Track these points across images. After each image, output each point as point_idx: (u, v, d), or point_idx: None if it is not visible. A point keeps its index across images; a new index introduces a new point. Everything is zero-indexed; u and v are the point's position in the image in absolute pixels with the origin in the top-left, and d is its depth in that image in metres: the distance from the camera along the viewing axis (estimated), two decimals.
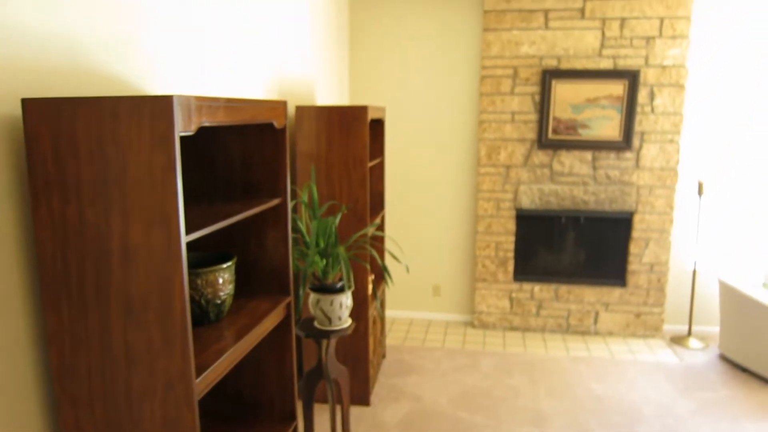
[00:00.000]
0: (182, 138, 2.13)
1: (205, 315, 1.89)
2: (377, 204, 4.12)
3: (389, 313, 5.22)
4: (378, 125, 4.07)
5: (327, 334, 2.70)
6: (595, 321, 4.86)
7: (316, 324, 2.77)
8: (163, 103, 1.33)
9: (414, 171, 5.00)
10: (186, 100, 1.40)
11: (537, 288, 4.88)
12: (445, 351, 4.53)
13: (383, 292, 4.23)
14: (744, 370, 4.22)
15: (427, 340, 4.73)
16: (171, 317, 1.46)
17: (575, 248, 4.91)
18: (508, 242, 4.83)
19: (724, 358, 4.41)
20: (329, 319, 2.69)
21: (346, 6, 4.76)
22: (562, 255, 4.91)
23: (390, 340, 4.73)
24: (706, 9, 4.48)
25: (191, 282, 1.82)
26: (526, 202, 4.75)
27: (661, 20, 4.41)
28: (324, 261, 2.67)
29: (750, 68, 4.53)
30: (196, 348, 1.74)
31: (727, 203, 4.73)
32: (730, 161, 4.68)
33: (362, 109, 3.30)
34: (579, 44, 4.51)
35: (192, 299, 1.85)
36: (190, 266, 2.05)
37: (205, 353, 1.72)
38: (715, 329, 4.85)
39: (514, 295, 4.91)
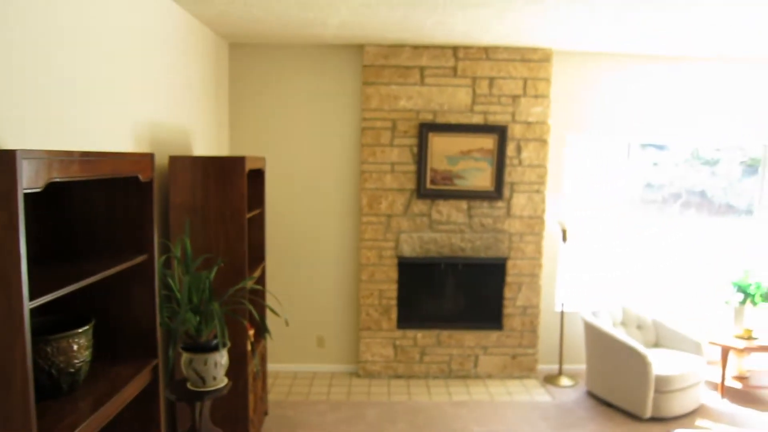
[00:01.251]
0: (40, 193, 1.96)
1: (56, 386, 1.71)
2: (257, 256, 4.03)
3: (272, 367, 5.05)
4: (258, 175, 4.02)
5: (201, 396, 2.54)
6: (475, 364, 5.00)
7: (189, 385, 2.61)
8: (6, 158, 1.22)
9: (297, 221, 4.96)
10: (33, 154, 1.29)
11: (420, 335, 4.96)
12: (330, 403, 4.43)
13: (264, 347, 4.09)
14: (608, 404, 4.51)
15: (311, 394, 4.62)
16: (10, 392, 1.31)
17: (455, 294, 5.07)
18: (391, 290, 4.90)
19: (591, 394, 4.70)
20: (203, 380, 2.55)
21: (225, 55, 4.72)
22: (442, 301, 5.05)
23: (273, 395, 4.55)
24: (561, 72, 4.94)
25: (40, 351, 1.65)
26: (407, 250, 4.86)
27: (525, 81, 4.80)
28: (197, 318, 2.54)
29: (597, 125, 5.04)
30: (42, 425, 1.56)
31: (589, 248, 5.14)
32: (588, 210, 5.11)
33: (239, 160, 3.25)
34: (453, 100, 4.78)
35: (41, 369, 1.67)
36: (41, 332, 1.86)
37: (54, 430, 1.55)
38: (583, 367, 5.16)
39: (398, 342, 4.95)
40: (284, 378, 4.92)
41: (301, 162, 4.92)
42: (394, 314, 4.92)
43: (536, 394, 4.70)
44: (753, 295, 4.69)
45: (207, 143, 4.26)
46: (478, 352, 5.00)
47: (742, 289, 4.71)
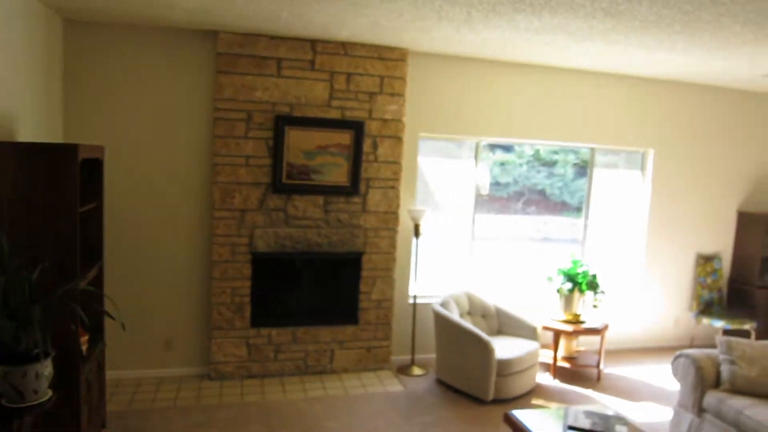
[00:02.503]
0: None
1: None
2: (93, 255, 3.68)
3: (112, 374, 4.65)
4: (95, 166, 3.66)
5: (18, 413, 2.26)
6: (331, 359, 5.01)
7: (4, 402, 2.31)
8: None
9: (142, 217, 4.62)
10: None
11: (275, 332, 4.86)
12: (178, 409, 4.19)
13: (101, 353, 3.75)
14: (456, 390, 4.75)
15: (157, 400, 4.33)
16: None
17: (311, 290, 5.04)
18: (245, 287, 4.74)
19: (441, 382, 4.92)
20: (21, 394, 2.26)
21: (59, 32, 4.24)
22: (298, 297, 4.99)
23: (113, 405, 4.20)
24: (416, 72, 5.09)
25: None
26: (262, 246, 4.74)
27: (382, 78, 4.88)
28: (14, 324, 2.25)
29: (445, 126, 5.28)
30: None
31: (439, 242, 5.36)
32: (438, 206, 5.34)
33: (71, 147, 2.94)
34: (310, 93, 4.73)
35: None
36: None
37: None
38: (434, 355, 5.38)
39: (252, 341, 4.81)
40: (127, 385, 4.56)
41: (147, 153, 4.58)
42: (247, 312, 4.77)
43: (389, 385, 4.82)
44: (581, 283, 5.20)
45: (35, 129, 3.80)
46: (334, 347, 5.01)
47: (571, 278, 5.20)
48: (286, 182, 4.72)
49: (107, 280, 4.43)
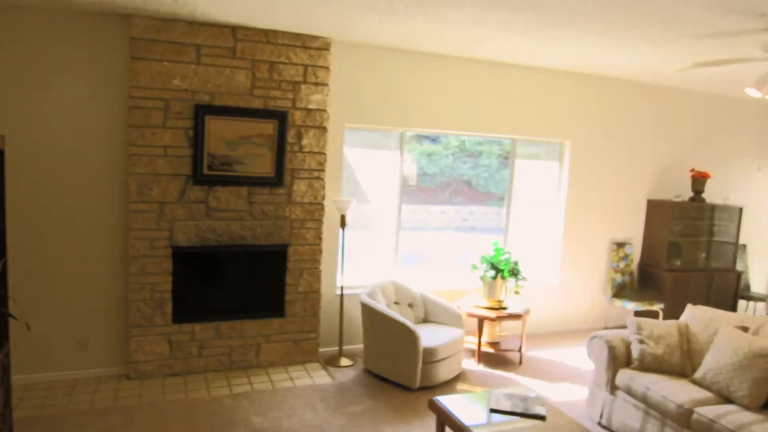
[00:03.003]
0: None
1: None
2: None
3: (20, 378, 4.36)
4: None
5: None
6: (257, 354, 4.93)
7: None
8: None
9: (51, 211, 4.35)
10: None
11: (198, 328, 4.72)
12: (94, 412, 4.00)
13: (6, 356, 3.51)
14: (384, 380, 4.79)
15: (72, 403, 4.11)
16: None
17: (236, 283, 4.92)
18: (165, 283, 4.57)
19: (369, 372, 4.94)
20: None
21: None
22: (222, 291, 4.87)
23: (21, 411, 3.95)
24: (341, 62, 5.05)
25: None
26: (183, 240, 4.58)
27: (305, 67, 4.81)
28: None
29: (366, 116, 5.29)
30: None
31: (367, 232, 5.37)
32: (365, 197, 5.34)
33: None
34: (231, 82, 4.59)
35: None
36: None
37: None
38: (362, 346, 5.40)
39: (173, 338, 4.65)
40: (37, 390, 4.31)
41: (55, 143, 4.31)
42: (168, 308, 4.61)
43: (317, 377, 4.80)
44: (503, 271, 5.35)
45: None
46: (261, 341, 4.93)
47: (494, 265, 5.34)
48: (207, 173, 4.58)
49: (13, 278, 4.14)
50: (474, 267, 5.44)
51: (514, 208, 6.21)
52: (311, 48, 4.79)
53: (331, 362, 5.11)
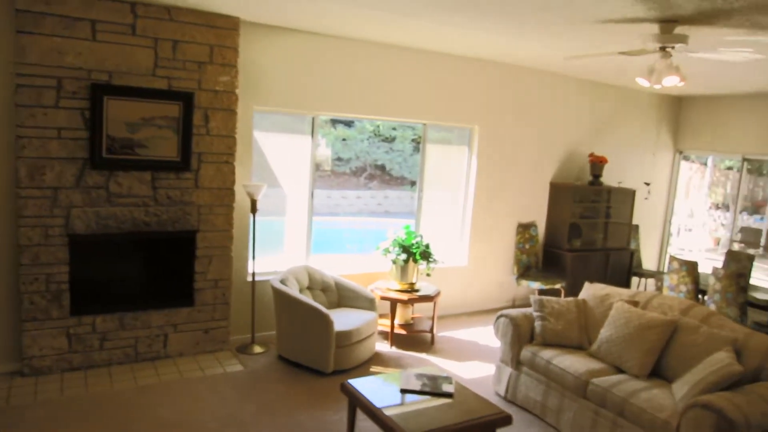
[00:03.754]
0: None
1: None
2: None
3: None
4: None
5: None
6: (165, 344, 4.76)
7: None
8: None
9: None
10: None
11: (99, 320, 4.49)
12: None
13: None
14: (298, 365, 4.78)
15: None
16: None
17: (140, 272, 4.72)
18: (62, 273, 4.31)
19: (282, 358, 4.91)
20: None
21: None
22: (126, 281, 4.66)
23: None
24: (251, 43, 4.92)
25: None
26: (81, 227, 4.32)
27: (212, 48, 4.64)
28: None
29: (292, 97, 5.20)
30: None
31: (281, 217, 5.29)
32: (277, 181, 5.26)
33: None
34: (132, 61, 4.35)
35: None
36: None
37: None
38: (275, 333, 5.34)
39: (72, 330, 4.40)
40: None
41: None
42: (66, 300, 4.35)
43: (229, 365, 4.71)
44: (415, 254, 5.45)
45: None
46: (168, 331, 4.77)
47: (405, 249, 5.43)
48: (106, 157, 4.33)
49: None
50: (386, 251, 5.50)
51: (426, 192, 6.32)
52: (217, 27, 4.62)
53: (243, 350, 5.03)
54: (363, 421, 3.75)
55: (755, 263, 6.51)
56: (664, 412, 3.37)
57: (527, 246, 6.93)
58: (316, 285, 5.20)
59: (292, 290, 4.75)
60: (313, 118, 5.47)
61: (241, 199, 5.03)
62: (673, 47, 3.91)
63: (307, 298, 4.65)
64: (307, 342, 4.63)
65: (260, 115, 5.20)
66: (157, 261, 4.75)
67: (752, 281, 6.14)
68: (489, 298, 6.88)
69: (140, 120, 4.42)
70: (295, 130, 5.51)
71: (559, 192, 7.04)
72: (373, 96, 5.68)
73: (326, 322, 4.50)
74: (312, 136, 5.50)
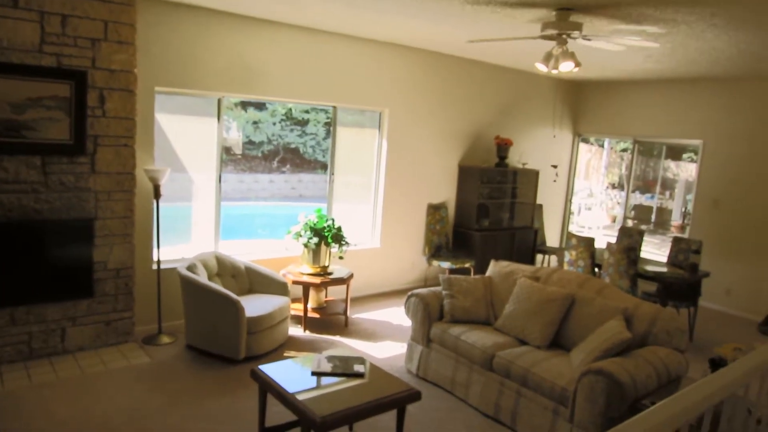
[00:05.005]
0: None
1: None
2: None
3: None
4: None
5: None
6: (63, 339, 4.50)
7: None
8: None
9: None
10: None
11: None
12: None
13: None
14: (208, 354, 4.66)
15: None
16: None
17: (32, 263, 4.40)
18: None
19: (191, 347, 4.77)
20: None
21: None
22: (16, 273, 4.33)
23: None
24: (151, 21, 4.67)
25: None
26: None
27: (106, 23, 4.36)
28: None
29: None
30: None
31: (186, 202, 5.11)
32: (182, 165, 5.06)
33: None
34: (14, 36, 4.02)
35: None
36: None
37: None
38: (183, 321, 5.18)
39: None
40: None
41: None
42: None
43: (134, 357, 4.52)
44: (327, 237, 5.44)
45: None
46: (66, 325, 4.50)
47: (317, 232, 5.41)
48: None
49: None
50: (297, 235, 5.45)
51: (338, 175, 6.31)
52: (111, 2, 4.35)
53: (149, 341, 4.84)
54: (275, 406, 3.73)
55: (645, 238, 7.02)
56: (562, 380, 3.59)
57: (438, 227, 7.10)
58: (226, 271, 5.08)
59: (200, 277, 4.62)
60: (219, 100, 5.30)
61: (143, 185, 4.81)
62: (568, 34, 4.10)
63: (215, 285, 4.53)
64: (217, 330, 4.53)
65: (163, 97, 4.97)
66: (52, 251, 4.45)
67: (642, 254, 6.63)
68: (401, 278, 7.00)
69: (26, 100, 4.10)
70: (200, 113, 5.32)
71: (467, 174, 7.25)
72: (282, 78, 5.58)
73: (236, 308, 4.42)
74: (218, 118, 5.32)
